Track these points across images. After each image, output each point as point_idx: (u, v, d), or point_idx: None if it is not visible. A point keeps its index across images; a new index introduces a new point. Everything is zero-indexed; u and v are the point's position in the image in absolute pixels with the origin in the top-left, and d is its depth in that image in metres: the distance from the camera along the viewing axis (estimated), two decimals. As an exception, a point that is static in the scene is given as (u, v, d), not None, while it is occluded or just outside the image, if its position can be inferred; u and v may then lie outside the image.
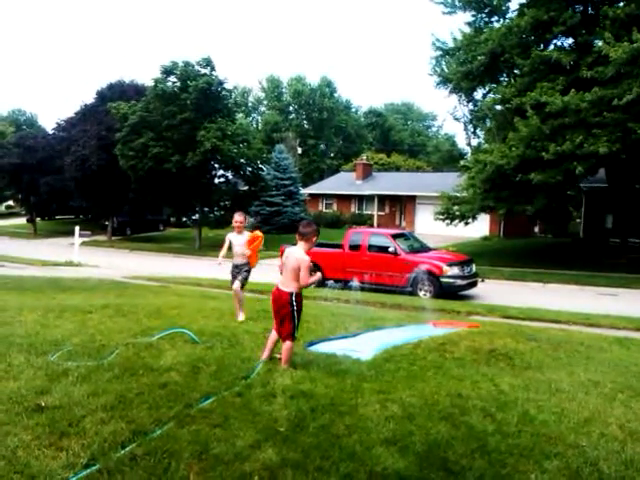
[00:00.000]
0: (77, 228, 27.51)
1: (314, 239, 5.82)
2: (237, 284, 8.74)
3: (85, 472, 3.34)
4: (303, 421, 4.26)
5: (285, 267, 5.77)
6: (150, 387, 4.77)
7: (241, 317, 8.74)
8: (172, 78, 32.99)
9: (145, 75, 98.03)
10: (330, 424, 4.24)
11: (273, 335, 5.83)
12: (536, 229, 37.23)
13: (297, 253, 5.68)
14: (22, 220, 55.59)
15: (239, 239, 8.81)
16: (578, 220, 34.06)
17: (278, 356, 5.77)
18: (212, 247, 33.76)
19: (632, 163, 20.91)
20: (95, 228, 40.40)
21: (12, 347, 5.94)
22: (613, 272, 20.94)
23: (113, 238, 39.34)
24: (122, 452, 3.61)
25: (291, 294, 5.61)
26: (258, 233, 8.94)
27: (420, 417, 4.46)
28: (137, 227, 44.23)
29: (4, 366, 5.26)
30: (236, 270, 8.90)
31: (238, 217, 8.88)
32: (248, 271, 8.91)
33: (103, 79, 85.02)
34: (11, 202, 69.16)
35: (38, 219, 50.29)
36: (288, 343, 5.63)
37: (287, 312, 5.60)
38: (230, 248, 8.88)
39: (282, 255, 18.64)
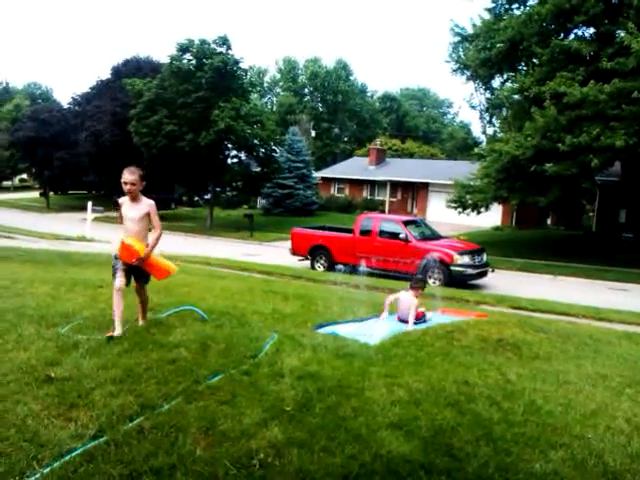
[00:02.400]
0: (90, 203, 27.70)
1: (420, 291, 8.50)
2: (120, 282, 5.67)
3: (93, 443, 3.38)
4: (310, 402, 4.28)
5: (398, 306, 8.27)
6: (159, 362, 4.81)
7: (141, 321, 6.16)
8: (188, 56, 32.91)
9: (161, 52, 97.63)
10: (336, 406, 4.26)
11: None
12: (548, 221, 37.00)
13: (409, 298, 8.18)
14: (35, 194, 55.88)
15: (133, 210, 5.76)
16: (591, 213, 33.79)
17: None
18: (223, 227, 33.92)
19: (649, 158, 20.70)
20: (108, 204, 40.47)
21: (23, 318, 6.00)
22: (625, 267, 20.81)
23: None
24: (130, 425, 3.65)
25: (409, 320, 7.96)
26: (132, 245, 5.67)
27: (426, 403, 4.47)
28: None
29: (15, 337, 5.32)
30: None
31: (129, 175, 5.69)
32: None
33: (119, 54, 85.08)
34: (25, 175, 69.54)
35: (51, 193, 50.52)
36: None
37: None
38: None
39: (292, 237, 18.70)
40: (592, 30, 22.76)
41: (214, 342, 5.55)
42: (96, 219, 29.77)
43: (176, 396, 4.15)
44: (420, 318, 8.13)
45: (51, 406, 3.84)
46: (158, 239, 5.82)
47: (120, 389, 4.20)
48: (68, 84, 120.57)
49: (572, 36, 22.67)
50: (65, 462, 3.16)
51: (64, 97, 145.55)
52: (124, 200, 5.83)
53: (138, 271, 5.82)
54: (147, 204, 5.76)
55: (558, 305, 12.28)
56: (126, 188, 5.65)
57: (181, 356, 5.05)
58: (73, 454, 3.24)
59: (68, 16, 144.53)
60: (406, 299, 8.20)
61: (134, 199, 5.76)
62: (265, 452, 3.45)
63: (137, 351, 5.10)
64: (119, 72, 40.18)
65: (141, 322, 6.10)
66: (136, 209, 5.74)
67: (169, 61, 32.73)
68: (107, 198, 45.35)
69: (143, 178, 5.82)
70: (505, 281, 17.35)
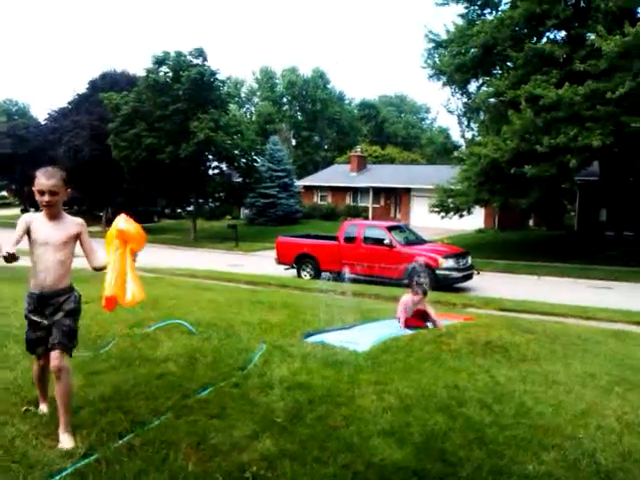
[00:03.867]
0: (70, 219, 27.41)
1: (419, 294, 7.91)
2: (54, 356, 3.70)
3: (83, 462, 3.34)
4: (300, 412, 4.27)
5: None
6: (147, 378, 4.77)
7: (62, 436, 3.58)
8: (164, 68, 32.88)
9: (137, 65, 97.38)
10: (327, 415, 4.25)
11: None
12: (531, 222, 37.29)
13: (403, 298, 8.10)
14: (16, 211, 55.28)
15: (54, 231, 3.84)
16: (572, 213, 34.12)
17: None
18: (207, 238, 33.80)
19: (625, 156, 20.96)
20: (89, 219, 40.14)
21: (8, 338, 5.92)
22: (607, 265, 21.01)
23: (107, 229, 39.13)
24: (120, 442, 3.62)
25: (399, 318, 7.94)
26: (122, 225, 4.33)
27: (417, 408, 4.47)
28: (132, 218, 43.87)
29: (0, 356, 5.25)
30: (41, 307, 3.79)
31: (46, 180, 3.80)
32: (75, 311, 3.90)
33: (95, 69, 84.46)
34: (5, 193, 68.88)
35: (32, 210, 50.01)
36: None
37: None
38: (32, 246, 3.82)
39: (277, 246, 18.62)
40: (564, 33, 23.07)
41: (202, 355, 5.52)
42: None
43: (165, 411, 4.11)
44: (410, 326, 7.81)
45: (39, 426, 3.80)
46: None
47: (108, 406, 4.15)
48: (45, 99, 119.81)
49: (545, 39, 22.91)
50: (55, 483, 3.12)
51: (41, 113, 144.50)
52: (33, 218, 3.85)
53: (60, 322, 3.76)
54: (75, 223, 3.96)
55: (544, 305, 12.36)
56: (44, 200, 3.76)
57: (169, 370, 5.01)
58: (63, 474, 3.20)
59: (44, 31, 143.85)
60: (402, 299, 8.16)
61: (53, 216, 3.84)
62: (257, 465, 3.43)
63: (124, 367, 5.06)
64: (96, 86, 39.93)
65: (62, 438, 3.59)
66: (59, 230, 3.82)
67: (145, 74, 32.67)
68: (88, 213, 45.07)
69: (67, 183, 3.91)
70: (490, 283, 17.45)
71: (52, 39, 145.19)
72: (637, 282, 17.86)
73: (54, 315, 3.77)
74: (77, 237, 3.97)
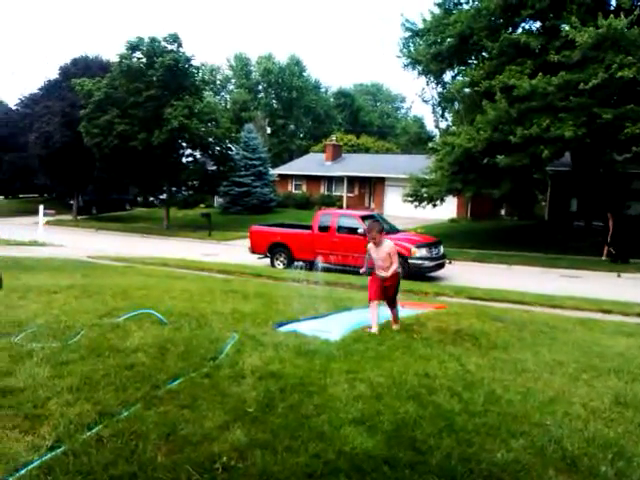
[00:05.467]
0: (41, 207, 27.01)
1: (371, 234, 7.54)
2: None
3: (50, 454, 3.29)
4: (272, 402, 4.26)
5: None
6: (116, 368, 4.72)
7: None
8: (138, 54, 32.38)
9: (110, 51, 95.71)
10: (299, 404, 4.25)
11: None
12: (502, 211, 37.67)
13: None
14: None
15: None
16: (543, 203, 34.52)
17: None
18: (180, 227, 33.55)
19: (596, 147, 21.25)
20: (60, 207, 39.60)
21: None
22: (577, 255, 21.35)
23: (78, 217, 38.63)
24: (88, 434, 3.57)
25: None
26: None
27: (388, 397, 4.50)
28: (103, 206, 43.46)
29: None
30: None
31: None
32: None
33: (67, 54, 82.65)
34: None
35: (1, 197, 49.13)
36: None
37: None
38: None
39: (251, 235, 18.51)
40: (539, 24, 23.22)
41: (173, 345, 5.48)
42: (48, 223, 29.04)
43: (135, 402, 4.07)
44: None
45: (5, 418, 3.73)
46: None
47: (77, 397, 4.10)
48: (14, 85, 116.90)
49: (520, 30, 23.07)
50: (21, 476, 3.07)
51: (11, 99, 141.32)
52: None
53: None
54: None
55: (513, 294, 12.51)
56: None
57: (139, 361, 4.96)
58: (30, 467, 3.15)
59: (13, 15, 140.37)
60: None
61: None
62: (228, 455, 3.42)
63: (93, 357, 4.99)
64: (67, 72, 39.15)
65: None
66: None
67: (119, 60, 32.15)
68: (59, 201, 44.39)
69: None
70: (462, 272, 17.61)
71: (22, 23, 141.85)
72: (605, 271, 18.18)
73: None
74: None
